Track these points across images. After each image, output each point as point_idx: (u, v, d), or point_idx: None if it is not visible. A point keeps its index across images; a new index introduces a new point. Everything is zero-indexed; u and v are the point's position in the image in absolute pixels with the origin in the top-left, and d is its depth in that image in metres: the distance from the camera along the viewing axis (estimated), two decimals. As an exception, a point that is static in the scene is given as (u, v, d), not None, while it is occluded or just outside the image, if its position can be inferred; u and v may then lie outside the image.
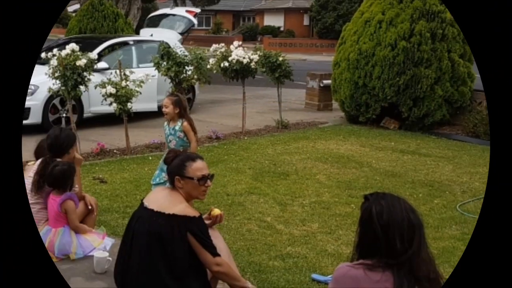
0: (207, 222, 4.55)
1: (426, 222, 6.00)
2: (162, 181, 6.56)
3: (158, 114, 12.56)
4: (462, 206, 7.65)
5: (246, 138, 11.76)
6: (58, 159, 5.69)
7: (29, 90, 11.60)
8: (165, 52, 11.54)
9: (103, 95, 9.77)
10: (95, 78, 10.28)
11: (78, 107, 12.17)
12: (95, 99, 11.38)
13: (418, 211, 3.15)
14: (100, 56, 12.65)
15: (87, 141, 10.69)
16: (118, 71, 10.09)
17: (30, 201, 5.64)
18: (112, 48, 13.87)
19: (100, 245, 5.55)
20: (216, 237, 4.44)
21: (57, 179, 5.54)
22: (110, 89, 9.56)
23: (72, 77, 9.44)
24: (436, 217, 7.20)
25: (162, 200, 4.33)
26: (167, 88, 12.32)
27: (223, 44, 12.18)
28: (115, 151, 10.30)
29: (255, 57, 11.77)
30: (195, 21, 17.92)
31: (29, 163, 6.35)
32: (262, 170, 9.18)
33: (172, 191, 4.40)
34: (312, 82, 16.23)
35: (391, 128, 13.11)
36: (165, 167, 4.91)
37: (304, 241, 6.27)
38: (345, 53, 13.58)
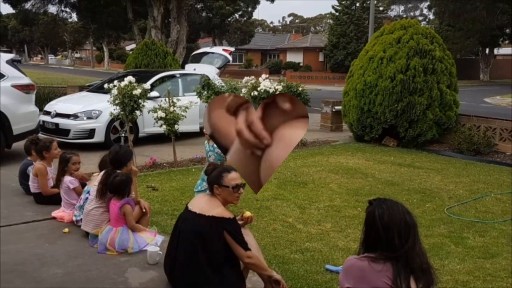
0: (240, 222, 4.54)
1: (419, 223, 5.94)
2: (203, 189, 6.56)
3: (199, 134, 12.73)
4: (449, 209, 7.58)
5: (271, 153, 11.71)
6: (118, 171, 5.73)
7: (94, 114, 11.79)
8: (206, 83, 11.63)
9: (155, 119, 9.83)
10: (148, 104, 10.40)
11: (135, 128, 12.26)
12: (148, 121, 11.52)
13: (413, 213, 3.15)
14: (153, 86, 12.73)
15: (142, 156, 10.79)
16: (167, 98, 10.18)
17: (95, 205, 5.72)
18: (162, 80, 13.94)
19: (153, 241, 5.56)
20: (247, 235, 4.43)
21: (117, 187, 5.58)
22: (161, 114, 9.63)
23: (129, 104, 9.54)
24: (427, 218, 7.13)
25: (203, 204, 4.34)
26: (207, 113, 12.38)
27: (253, 77, 12.24)
28: (164, 164, 10.34)
29: (279, 88, 11.81)
30: (230, 58, 17.95)
31: (94, 174, 6.43)
32: (285, 180, 9.17)
33: (211, 197, 4.41)
34: (326, 107, 16.25)
35: (391, 145, 13.05)
36: (205, 177, 4.91)
37: (319, 238, 6.25)
38: (353, 84, 13.57)
